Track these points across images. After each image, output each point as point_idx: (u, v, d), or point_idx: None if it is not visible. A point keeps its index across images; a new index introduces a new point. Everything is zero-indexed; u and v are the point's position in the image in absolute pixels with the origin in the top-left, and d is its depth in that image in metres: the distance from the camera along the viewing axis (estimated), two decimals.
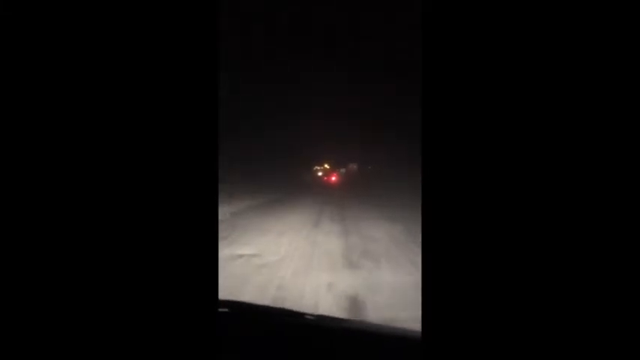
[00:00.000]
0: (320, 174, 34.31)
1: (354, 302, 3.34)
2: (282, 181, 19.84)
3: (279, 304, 2.86)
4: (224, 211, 8.58)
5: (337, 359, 0.99)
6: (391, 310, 3.09)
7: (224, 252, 5.00)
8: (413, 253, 5.15)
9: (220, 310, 1.11)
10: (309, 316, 1.21)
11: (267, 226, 7.38)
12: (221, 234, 5.86)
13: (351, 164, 40.96)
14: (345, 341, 1.07)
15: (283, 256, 4.93)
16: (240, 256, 4.91)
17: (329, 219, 8.55)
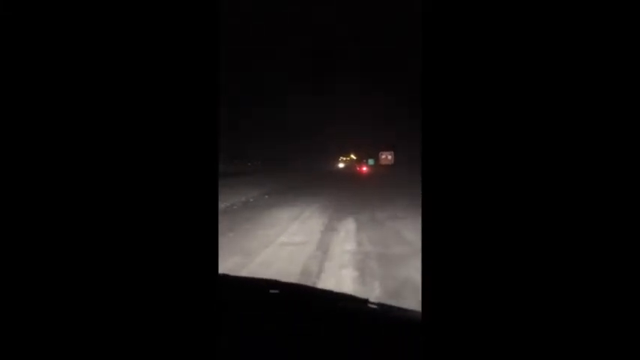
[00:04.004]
0: (341, 165, 31.65)
1: None
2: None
3: None
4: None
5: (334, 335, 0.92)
6: None
7: None
8: None
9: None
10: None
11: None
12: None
13: (384, 153, 32.51)
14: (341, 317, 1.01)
15: None
16: None
17: None
